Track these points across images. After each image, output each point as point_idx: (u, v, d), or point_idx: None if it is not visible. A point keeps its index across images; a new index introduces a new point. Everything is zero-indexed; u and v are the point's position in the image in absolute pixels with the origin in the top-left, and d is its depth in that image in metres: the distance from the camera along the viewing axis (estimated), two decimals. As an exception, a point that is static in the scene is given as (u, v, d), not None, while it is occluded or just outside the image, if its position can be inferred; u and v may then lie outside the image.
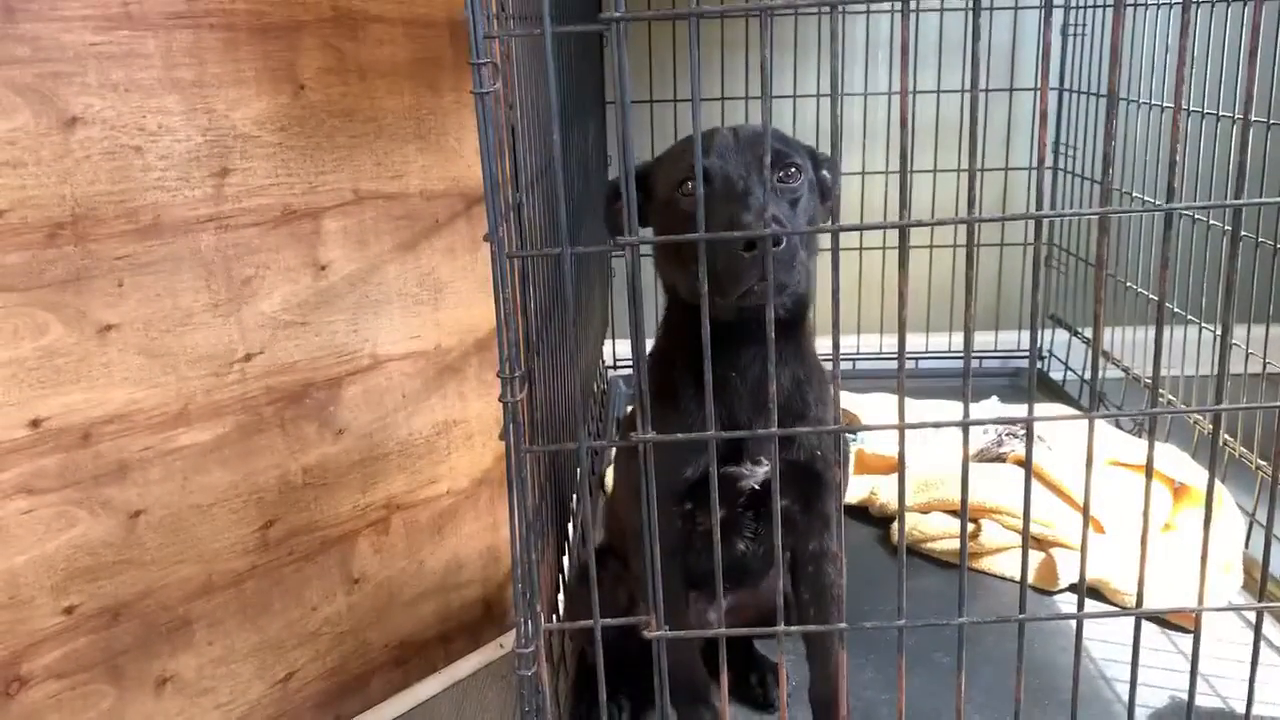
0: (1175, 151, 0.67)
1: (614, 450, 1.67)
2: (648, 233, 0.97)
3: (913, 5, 0.70)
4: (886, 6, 2.15)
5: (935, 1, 2.13)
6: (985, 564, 1.48)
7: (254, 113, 1.25)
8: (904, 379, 0.70)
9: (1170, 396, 1.78)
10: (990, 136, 2.15)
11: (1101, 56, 1.98)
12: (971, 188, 0.66)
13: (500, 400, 0.72)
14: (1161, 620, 1.33)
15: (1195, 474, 1.51)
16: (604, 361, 2.21)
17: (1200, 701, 1.09)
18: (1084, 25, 2.05)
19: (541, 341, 0.95)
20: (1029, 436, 0.73)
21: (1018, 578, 1.30)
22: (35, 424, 1.12)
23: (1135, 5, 1.84)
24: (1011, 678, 0.76)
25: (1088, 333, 2.17)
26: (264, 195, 1.28)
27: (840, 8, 0.62)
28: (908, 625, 0.74)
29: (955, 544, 1.47)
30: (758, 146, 0.88)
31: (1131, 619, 0.76)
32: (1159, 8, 1.79)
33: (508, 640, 1.68)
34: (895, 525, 1.57)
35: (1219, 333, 0.71)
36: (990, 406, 1.93)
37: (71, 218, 1.11)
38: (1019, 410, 0.75)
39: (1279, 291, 1.40)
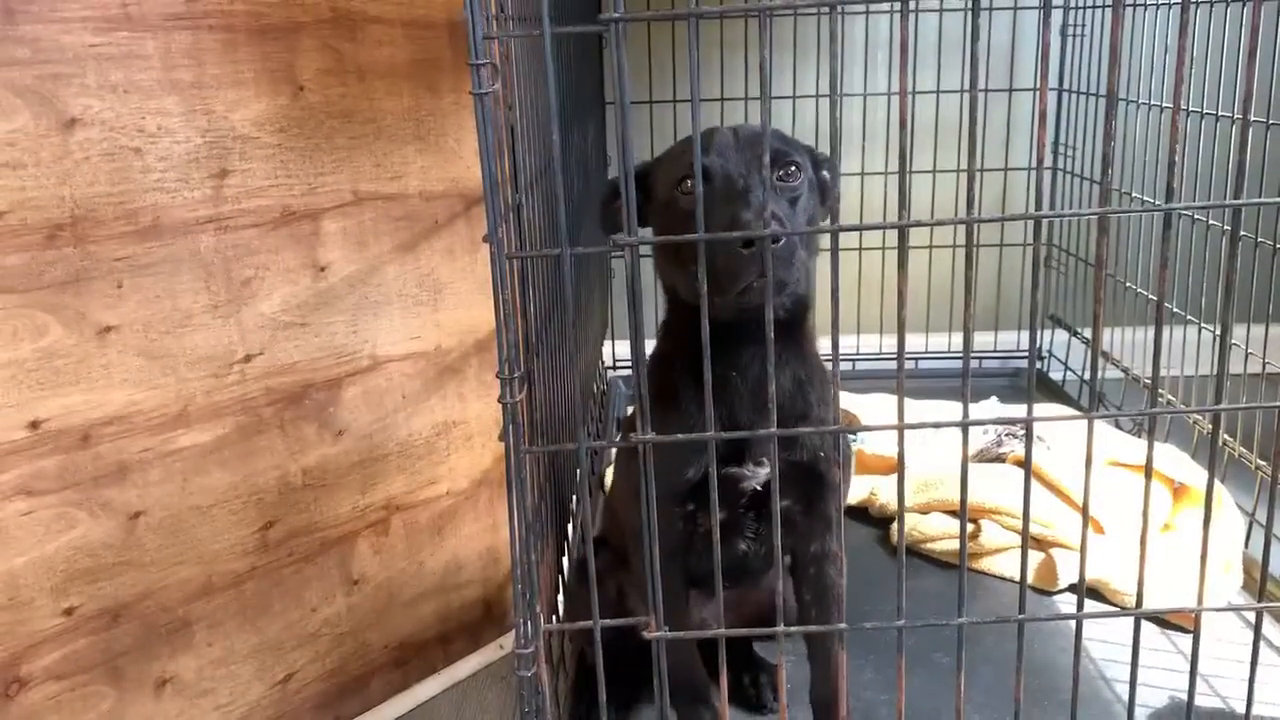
0: (1174, 152, 0.67)
1: (614, 450, 1.67)
2: (647, 233, 0.97)
3: (912, 5, 0.69)
4: (886, 7, 2.15)
5: (934, 2, 2.13)
6: (985, 564, 1.48)
7: (253, 114, 1.25)
8: (903, 379, 0.70)
9: (1170, 396, 1.78)
10: (989, 137, 2.15)
11: (1101, 57, 1.98)
12: (971, 188, 0.66)
13: (500, 401, 0.72)
14: (1161, 620, 1.33)
15: (1195, 474, 1.51)
16: (604, 362, 2.21)
17: (1200, 701, 1.09)
18: (1083, 25, 2.05)
19: (541, 342, 0.95)
20: (1028, 437, 0.73)
21: (1017, 578, 1.29)
22: (35, 425, 1.12)
23: (1134, 5, 1.84)
24: (1011, 678, 0.76)
25: (1087, 333, 2.17)
26: (263, 196, 1.28)
27: (839, 8, 0.62)
28: (907, 626, 0.74)
29: (955, 544, 1.47)
30: (757, 145, 0.88)
31: (1131, 619, 0.76)
32: (1158, 8, 1.79)
33: (507, 641, 1.68)
34: (895, 526, 1.57)
35: (1218, 333, 0.71)
36: (990, 407, 1.93)
37: (71, 219, 1.11)
38: (1018, 410, 0.75)
39: (1279, 291, 1.40)
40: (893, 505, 1.61)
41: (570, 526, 1.28)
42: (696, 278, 0.69)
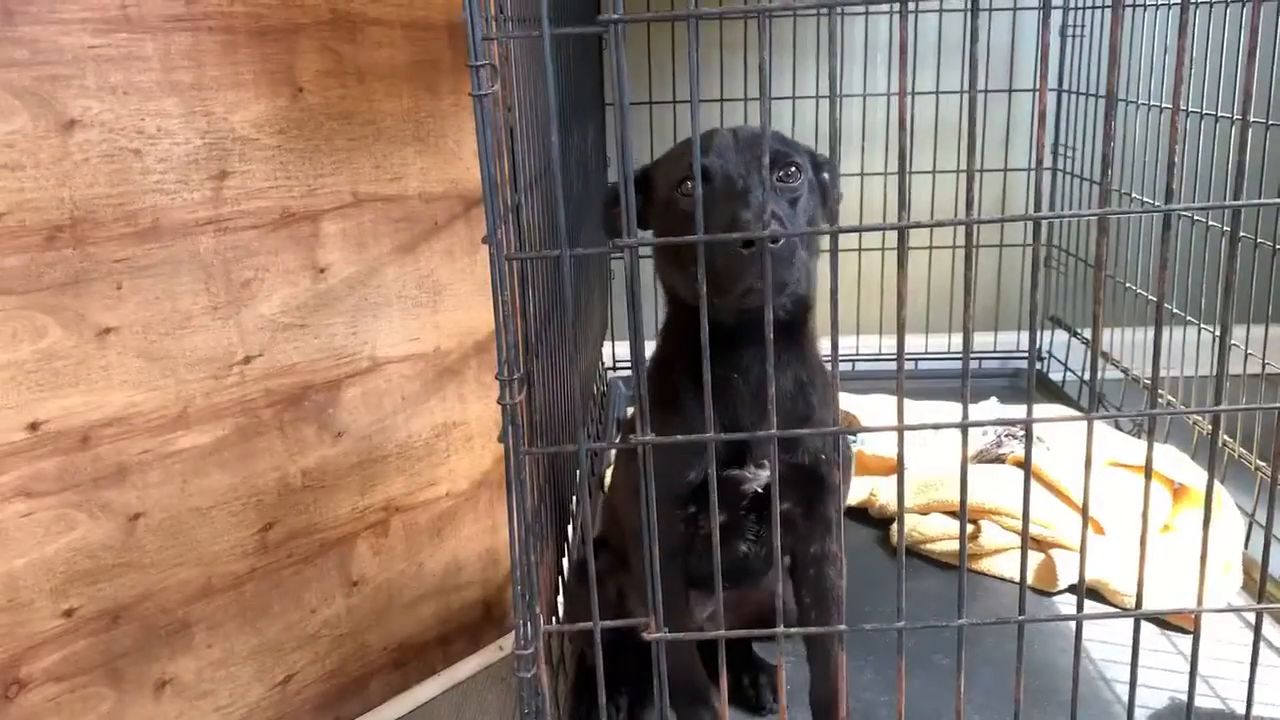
0: (1174, 152, 0.67)
1: (614, 452, 1.67)
2: (647, 235, 0.97)
3: (911, 6, 0.69)
4: (885, 8, 2.15)
5: (934, 2, 2.13)
6: (985, 565, 1.48)
7: (253, 115, 1.25)
8: (903, 380, 0.70)
9: (1169, 397, 1.78)
10: (989, 137, 2.15)
11: (1100, 57, 1.98)
12: (970, 189, 0.66)
13: (499, 402, 0.72)
14: (1161, 621, 1.32)
15: (1194, 475, 1.51)
16: (603, 363, 2.21)
17: (1200, 702, 1.09)
18: (1082, 26, 2.06)
19: (540, 344, 0.95)
20: (1028, 437, 0.73)
21: (1017, 579, 1.29)
22: (34, 427, 1.12)
23: (1134, 6, 1.84)
24: (1011, 679, 0.76)
25: (1087, 333, 2.17)
26: (263, 198, 1.28)
27: (839, 9, 0.62)
28: (907, 627, 0.74)
29: (955, 545, 1.47)
30: (757, 146, 0.88)
31: (1131, 620, 0.76)
32: (1158, 8, 1.79)
33: (507, 642, 1.68)
34: (895, 526, 1.57)
35: (1218, 333, 0.71)
36: (989, 407, 1.93)
37: (70, 220, 1.11)
38: (1018, 411, 0.75)
39: (1278, 292, 1.40)
40: (892, 506, 1.61)
41: (570, 528, 1.28)
42: (696, 279, 0.69)
